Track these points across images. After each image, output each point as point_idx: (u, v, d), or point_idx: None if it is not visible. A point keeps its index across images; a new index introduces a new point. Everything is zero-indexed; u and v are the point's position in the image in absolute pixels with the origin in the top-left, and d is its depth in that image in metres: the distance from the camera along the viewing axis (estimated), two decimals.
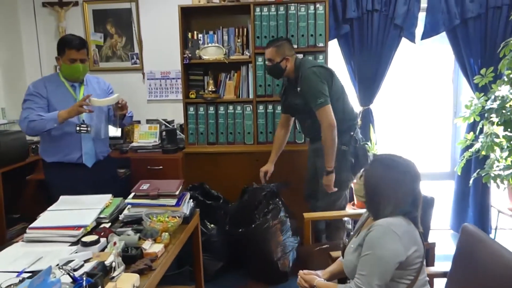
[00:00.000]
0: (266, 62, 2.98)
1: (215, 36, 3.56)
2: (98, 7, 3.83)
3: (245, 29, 3.52)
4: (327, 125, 2.74)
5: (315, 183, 3.10)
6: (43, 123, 2.56)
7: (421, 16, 3.54)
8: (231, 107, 3.57)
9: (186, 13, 3.52)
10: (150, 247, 1.86)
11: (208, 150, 3.55)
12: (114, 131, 3.69)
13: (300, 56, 3.09)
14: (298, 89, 2.85)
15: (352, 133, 2.92)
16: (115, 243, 1.78)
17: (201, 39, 3.57)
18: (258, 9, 3.39)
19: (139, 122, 3.92)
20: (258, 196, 3.05)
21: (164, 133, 3.71)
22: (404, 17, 3.46)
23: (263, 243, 2.97)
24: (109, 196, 2.42)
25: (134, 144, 3.72)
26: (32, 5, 3.87)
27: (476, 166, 3.51)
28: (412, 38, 3.52)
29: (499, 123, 3.02)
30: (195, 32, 3.57)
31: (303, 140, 3.52)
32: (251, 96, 3.54)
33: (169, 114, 3.93)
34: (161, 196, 2.24)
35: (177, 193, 2.26)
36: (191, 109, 3.58)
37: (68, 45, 2.62)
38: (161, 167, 3.49)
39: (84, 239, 1.85)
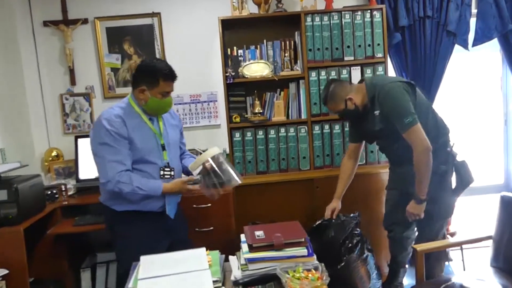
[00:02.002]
0: (337, 114, 2.65)
1: (257, 51, 3.16)
2: (113, 24, 3.29)
3: (292, 42, 3.15)
4: (422, 149, 2.32)
5: (404, 212, 2.72)
6: (140, 195, 2.08)
7: (471, 22, 3.37)
8: (282, 130, 3.15)
9: (224, 27, 3.09)
10: None
11: (258, 180, 3.08)
12: None
13: (362, 71, 2.83)
14: (377, 112, 2.44)
15: (448, 148, 2.52)
16: None
17: (242, 55, 3.15)
18: (309, 19, 3.05)
19: None
20: (345, 230, 2.64)
21: None
22: (457, 23, 3.28)
23: (350, 285, 2.56)
24: (203, 250, 1.92)
25: None
26: (30, 24, 3.24)
27: None
28: (465, 45, 3.34)
29: None
30: (234, 48, 3.14)
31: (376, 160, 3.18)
32: (303, 116, 3.16)
33: (202, 142, 3.42)
34: (287, 245, 1.78)
35: (303, 239, 1.81)
36: (237, 134, 3.12)
37: (165, 76, 2.12)
38: (209, 204, 2.97)
39: None
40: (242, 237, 1.92)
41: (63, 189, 3.07)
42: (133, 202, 2.13)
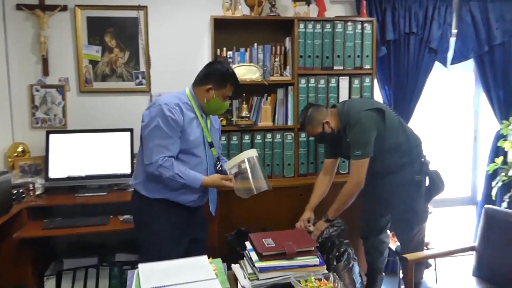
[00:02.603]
0: (314, 138, 2.76)
1: (247, 53, 3.10)
2: (95, 13, 3.09)
3: (283, 47, 3.11)
4: (355, 182, 2.51)
5: (381, 217, 2.81)
6: (177, 182, 2.11)
7: (451, 41, 3.51)
8: (269, 136, 3.10)
9: (215, 26, 2.99)
10: None
11: (242, 186, 2.99)
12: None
13: (350, 81, 2.98)
14: (349, 139, 2.53)
15: (422, 159, 2.66)
16: None
17: (231, 56, 3.07)
18: (302, 25, 3.03)
19: None
20: (331, 236, 2.63)
21: None
22: (438, 41, 3.40)
23: None
24: (206, 258, 1.81)
25: None
26: (1, 7, 2.97)
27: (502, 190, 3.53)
28: (444, 62, 3.47)
29: None
30: (224, 49, 3.06)
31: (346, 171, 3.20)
32: (290, 123, 3.12)
33: None
34: (299, 253, 1.72)
35: (313, 248, 1.76)
36: (223, 138, 3.02)
37: (234, 82, 2.26)
38: None
39: None
40: (248, 245, 1.84)
41: (31, 188, 2.82)
42: (170, 189, 2.15)
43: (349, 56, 3.12)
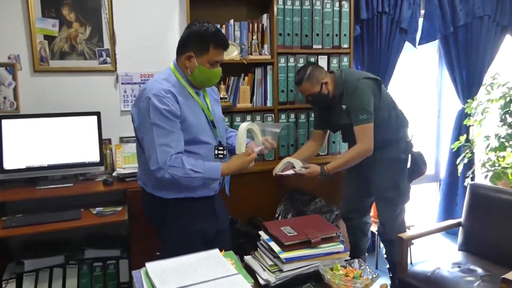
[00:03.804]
0: (308, 98, 2.62)
1: (223, 30, 2.90)
2: None
3: (260, 25, 2.96)
4: (366, 148, 2.49)
5: (364, 198, 2.81)
6: (194, 179, 1.83)
7: (420, 22, 3.56)
8: (248, 117, 2.95)
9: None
10: None
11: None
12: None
13: (328, 60, 2.94)
14: (344, 106, 2.53)
15: (408, 139, 2.72)
16: None
17: None
18: (280, 2, 2.89)
19: (109, 140, 2.94)
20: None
21: None
22: (408, 21, 3.42)
23: None
24: (218, 251, 1.67)
25: (119, 171, 2.75)
26: None
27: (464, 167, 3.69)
28: (414, 42, 3.52)
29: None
30: None
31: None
32: (269, 103, 3.00)
33: None
34: (323, 241, 1.63)
35: (335, 234, 1.68)
36: None
37: (218, 42, 1.85)
38: None
39: None
40: (262, 234, 1.71)
41: None
42: (187, 189, 1.89)
43: (328, 35, 3.04)
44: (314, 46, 3.02)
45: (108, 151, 2.89)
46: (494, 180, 3.28)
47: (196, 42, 1.85)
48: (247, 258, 1.72)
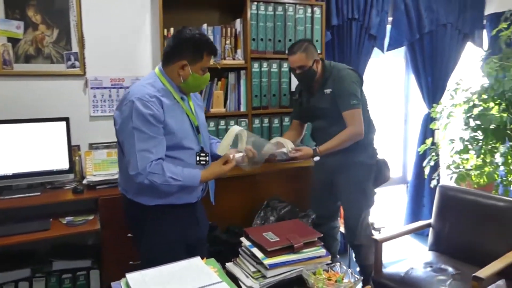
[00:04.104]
0: (297, 71, 2.59)
1: None
2: None
3: (233, 29, 2.95)
4: (357, 132, 2.54)
5: (332, 203, 2.84)
6: (172, 186, 1.82)
7: (388, 28, 3.66)
8: (222, 122, 2.93)
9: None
10: None
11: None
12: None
13: None
14: (328, 90, 2.58)
15: (375, 146, 2.80)
16: None
17: None
18: (254, 7, 2.90)
19: (78, 147, 2.84)
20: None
21: None
22: (377, 28, 3.51)
23: None
24: (199, 260, 1.64)
25: (90, 178, 2.66)
26: None
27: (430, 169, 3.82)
28: (382, 48, 3.61)
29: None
30: (171, 29, 2.80)
31: None
32: (243, 108, 2.99)
33: None
34: (305, 245, 1.63)
35: (316, 238, 1.69)
36: None
37: (210, 49, 1.88)
38: None
39: None
40: (244, 240, 1.70)
41: None
42: (167, 195, 1.87)
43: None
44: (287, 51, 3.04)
45: (77, 158, 2.79)
46: (458, 182, 3.40)
47: (190, 50, 1.85)
48: (229, 265, 1.70)
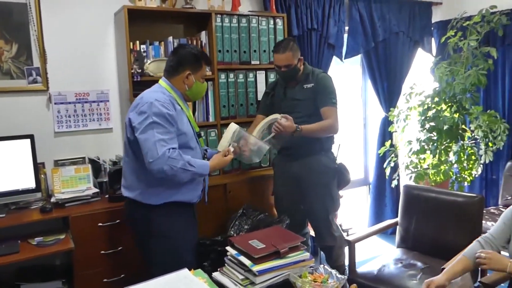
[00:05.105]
0: (282, 69, 2.67)
1: (161, 47, 2.88)
2: None
3: (199, 41, 2.98)
4: (333, 124, 2.66)
5: (301, 210, 2.90)
6: (188, 172, 1.98)
7: (345, 38, 3.82)
8: None
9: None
10: None
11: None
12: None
13: (266, 75, 3.20)
14: (309, 85, 2.71)
15: (335, 152, 2.92)
16: None
17: (145, 50, 2.82)
18: (218, 19, 2.94)
19: (43, 164, 2.75)
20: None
21: (105, 174, 2.74)
22: (335, 37, 3.66)
23: None
24: (187, 271, 1.65)
25: (58, 196, 2.58)
26: None
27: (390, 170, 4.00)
28: (341, 57, 3.76)
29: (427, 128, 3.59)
30: (137, 42, 2.78)
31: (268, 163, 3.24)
32: (211, 119, 3.02)
33: (91, 149, 2.91)
34: (290, 250, 1.68)
35: (300, 243, 1.74)
36: None
37: (207, 59, 2.24)
38: (117, 221, 2.55)
39: None
40: (230, 249, 1.73)
41: None
42: (173, 193, 2.05)
43: (265, 51, 3.15)
44: (252, 62, 3.11)
45: (42, 176, 2.70)
46: (417, 180, 3.59)
47: (192, 61, 2.13)
48: (216, 275, 1.72)
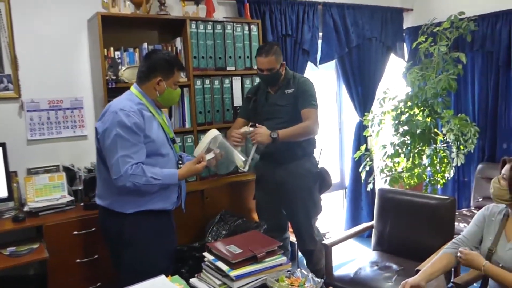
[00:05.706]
0: (265, 72, 2.68)
1: (136, 54, 2.87)
2: None
3: (174, 48, 2.98)
4: (312, 125, 2.65)
5: (282, 214, 2.93)
6: (154, 185, 1.98)
7: (319, 43, 3.88)
8: None
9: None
10: None
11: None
12: None
13: (242, 81, 3.20)
14: (290, 90, 2.73)
15: (316, 157, 2.94)
16: None
17: (119, 57, 2.80)
18: (193, 25, 2.95)
19: (15, 173, 2.70)
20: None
21: (80, 181, 2.70)
22: (309, 43, 3.71)
23: None
24: (164, 278, 1.65)
25: (32, 205, 2.53)
26: None
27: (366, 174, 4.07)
28: (315, 62, 3.82)
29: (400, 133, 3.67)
30: (111, 49, 2.76)
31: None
32: (187, 125, 3.02)
33: (66, 157, 2.86)
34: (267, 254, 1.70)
35: (277, 247, 1.76)
36: None
37: (180, 65, 2.19)
38: (93, 229, 2.51)
39: None
40: (207, 255, 1.73)
41: None
42: (145, 202, 2.02)
43: (240, 57, 3.18)
44: (228, 68, 3.13)
45: (15, 184, 2.64)
46: (392, 184, 3.66)
47: (164, 67, 2.09)
48: (194, 281, 1.73)
